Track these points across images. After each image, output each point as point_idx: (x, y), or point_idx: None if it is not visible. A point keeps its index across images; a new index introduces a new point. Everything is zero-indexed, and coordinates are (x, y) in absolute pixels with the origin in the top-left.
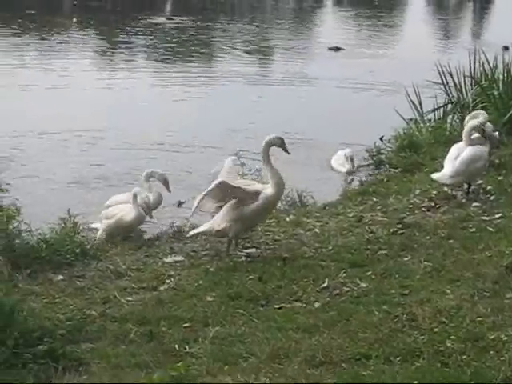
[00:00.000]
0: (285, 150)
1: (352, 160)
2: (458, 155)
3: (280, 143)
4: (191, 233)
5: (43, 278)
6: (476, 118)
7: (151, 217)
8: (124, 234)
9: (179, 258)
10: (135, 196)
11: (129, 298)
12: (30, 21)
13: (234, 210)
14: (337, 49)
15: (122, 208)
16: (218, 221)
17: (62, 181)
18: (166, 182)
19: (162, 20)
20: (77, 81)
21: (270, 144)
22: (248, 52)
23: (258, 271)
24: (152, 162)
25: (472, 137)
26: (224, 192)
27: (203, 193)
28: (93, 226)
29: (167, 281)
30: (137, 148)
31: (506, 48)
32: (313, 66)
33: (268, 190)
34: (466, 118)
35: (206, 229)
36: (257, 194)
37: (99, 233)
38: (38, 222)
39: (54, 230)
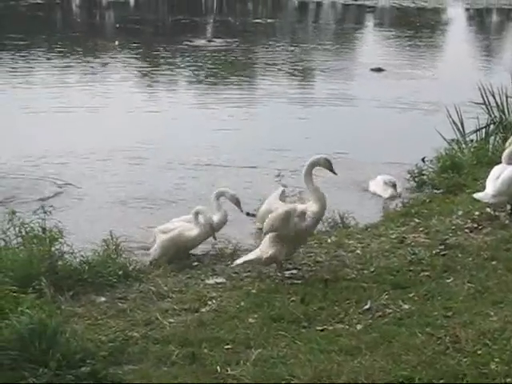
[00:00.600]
0: (332, 171)
1: (395, 186)
2: (499, 175)
3: (327, 165)
4: (238, 261)
5: (86, 299)
6: None
7: (215, 238)
8: (179, 253)
9: (221, 279)
10: (197, 214)
11: (171, 320)
12: (74, 43)
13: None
14: (379, 70)
15: (181, 224)
16: (265, 248)
17: (105, 201)
18: (237, 203)
19: (203, 43)
20: (119, 103)
21: (314, 164)
22: (290, 73)
23: (300, 293)
24: (197, 182)
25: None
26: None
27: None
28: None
29: (209, 302)
30: (181, 168)
31: None
32: (355, 86)
33: (312, 207)
34: (509, 140)
35: (254, 257)
36: (303, 213)
37: (153, 249)
38: (81, 243)
39: (97, 251)
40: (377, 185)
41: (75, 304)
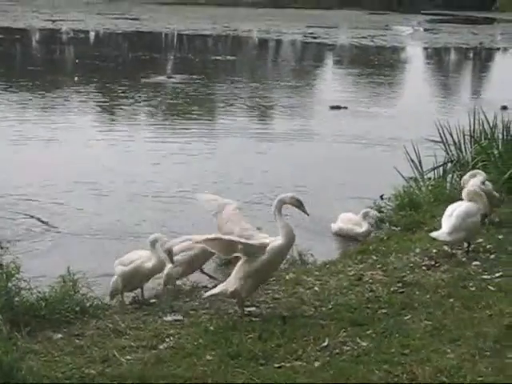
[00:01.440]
0: (302, 210)
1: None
2: (452, 212)
3: (295, 203)
4: (206, 294)
5: (42, 336)
6: (474, 177)
7: (172, 262)
8: (139, 284)
9: (179, 316)
10: (153, 242)
11: (128, 357)
12: (33, 78)
13: (242, 266)
14: (338, 107)
15: (140, 254)
16: (232, 281)
17: (64, 234)
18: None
19: (162, 79)
20: (79, 136)
21: (283, 202)
22: (249, 109)
23: (258, 330)
24: (157, 214)
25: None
26: (226, 245)
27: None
28: None
29: (167, 339)
30: (143, 200)
31: (504, 107)
32: (314, 123)
33: (276, 241)
34: (465, 177)
35: (220, 290)
36: (264, 247)
37: (112, 281)
38: (39, 278)
39: (54, 287)
40: (345, 221)
41: (32, 340)
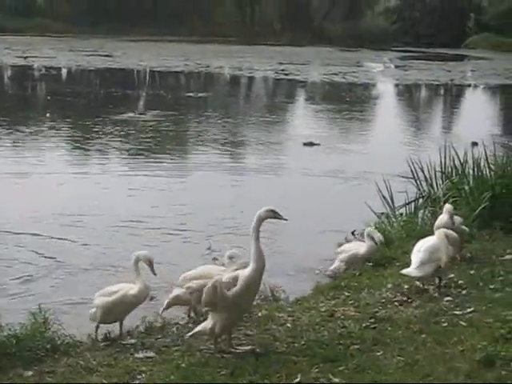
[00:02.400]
0: (280, 218)
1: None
2: (421, 247)
3: (273, 215)
4: (189, 334)
5: (13, 373)
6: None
7: (154, 273)
8: (121, 315)
9: (150, 353)
10: (137, 262)
11: None
12: (5, 115)
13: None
14: (311, 144)
15: (122, 285)
16: (210, 319)
17: (34, 269)
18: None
19: (134, 115)
20: (49, 171)
21: (262, 218)
22: (221, 145)
23: (230, 366)
24: (127, 247)
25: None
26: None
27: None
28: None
29: (138, 377)
30: (117, 234)
31: (474, 144)
32: (287, 159)
33: (247, 269)
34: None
35: (201, 328)
36: (236, 279)
37: (93, 311)
38: (9, 315)
39: (25, 325)
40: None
41: (3, 378)
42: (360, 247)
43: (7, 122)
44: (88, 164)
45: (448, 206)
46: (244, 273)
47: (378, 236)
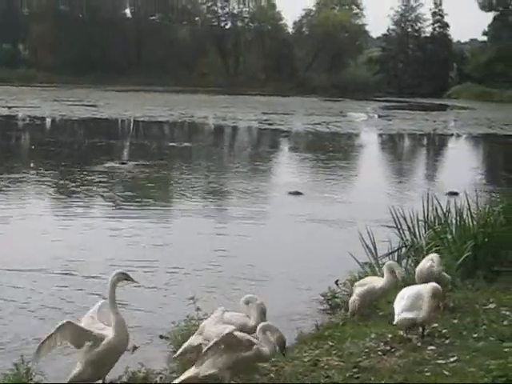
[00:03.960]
0: (132, 281)
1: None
2: (403, 295)
3: (125, 277)
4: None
5: None
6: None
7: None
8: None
9: None
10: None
11: None
12: None
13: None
14: (297, 193)
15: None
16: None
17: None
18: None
19: (118, 165)
20: (32, 220)
21: (116, 282)
22: (206, 193)
23: None
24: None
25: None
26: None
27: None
28: None
29: None
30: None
31: (454, 193)
32: (272, 208)
33: (109, 337)
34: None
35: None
36: (102, 338)
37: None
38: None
39: (8, 375)
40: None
41: None
42: (378, 281)
43: None
44: (71, 212)
45: (434, 255)
46: (107, 340)
47: (398, 269)
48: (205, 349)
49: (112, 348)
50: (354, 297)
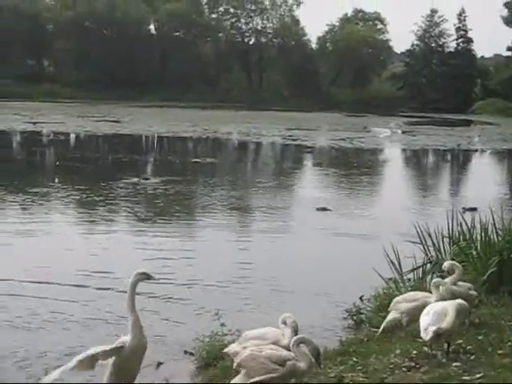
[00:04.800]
0: (153, 278)
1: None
2: (429, 311)
3: (145, 277)
4: None
5: None
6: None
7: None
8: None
9: None
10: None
11: None
12: (14, 179)
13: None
14: (324, 209)
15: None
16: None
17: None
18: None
19: (142, 180)
20: (57, 237)
21: (136, 283)
22: (231, 209)
23: None
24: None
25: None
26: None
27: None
28: None
29: None
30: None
31: (472, 209)
32: (300, 223)
33: (127, 344)
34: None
35: None
36: (122, 347)
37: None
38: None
39: None
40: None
41: None
42: (423, 297)
43: (16, 187)
44: (96, 227)
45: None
46: (124, 348)
47: (445, 287)
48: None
49: (131, 354)
50: (396, 315)
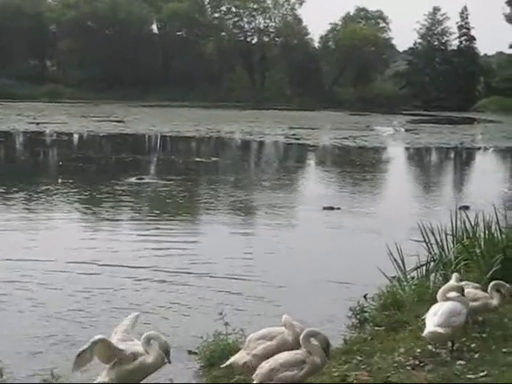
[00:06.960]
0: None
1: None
2: (437, 311)
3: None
4: None
5: None
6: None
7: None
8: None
9: None
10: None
11: None
12: (16, 180)
13: (111, 369)
14: (331, 208)
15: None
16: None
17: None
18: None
19: (145, 180)
20: (60, 237)
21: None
22: (236, 209)
23: None
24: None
25: (449, 295)
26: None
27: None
28: None
29: None
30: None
31: (465, 207)
32: (307, 222)
33: (149, 358)
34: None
35: None
36: (136, 355)
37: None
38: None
39: None
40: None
41: None
42: (486, 297)
43: (19, 187)
44: (100, 229)
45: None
46: (143, 358)
47: (504, 288)
48: None
49: (145, 368)
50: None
